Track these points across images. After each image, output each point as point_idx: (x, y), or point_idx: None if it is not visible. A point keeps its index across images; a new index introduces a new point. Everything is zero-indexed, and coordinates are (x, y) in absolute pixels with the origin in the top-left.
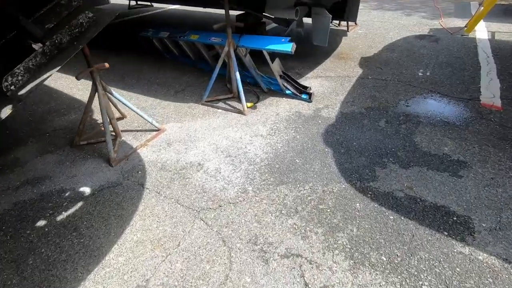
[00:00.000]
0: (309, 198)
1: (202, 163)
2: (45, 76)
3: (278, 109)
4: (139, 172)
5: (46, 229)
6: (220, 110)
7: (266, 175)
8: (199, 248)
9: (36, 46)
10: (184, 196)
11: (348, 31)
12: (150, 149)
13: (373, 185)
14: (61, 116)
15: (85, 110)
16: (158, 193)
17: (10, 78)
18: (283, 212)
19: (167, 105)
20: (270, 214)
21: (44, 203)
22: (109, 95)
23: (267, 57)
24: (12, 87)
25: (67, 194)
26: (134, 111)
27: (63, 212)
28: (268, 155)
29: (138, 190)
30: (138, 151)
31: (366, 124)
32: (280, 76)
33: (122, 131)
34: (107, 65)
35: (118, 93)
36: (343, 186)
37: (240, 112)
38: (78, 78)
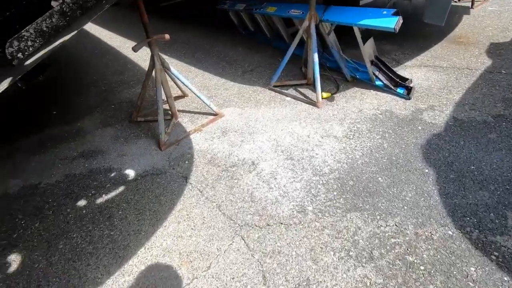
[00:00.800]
0: (392, 240)
1: (256, 162)
2: (58, 42)
3: (362, 104)
4: (186, 162)
5: (84, 211)
6: (288, 98)
7: (335, 193)
8: (232, 279)
9: (55, 3)
10: (228, 202)
11: (472, 7)
12: (203, 136)
13: (502, 242)
14: (129, 88)
15: (143, 85)
16: (201, 192)
17: (16, 43)
18: (351, 253)
19: (231, 86)
20: (332, 253)
21: (90, 180)
22: (167, 70)
23: (358, 36)
24: (20, 55)
25: (112, 175)
26: (193, 92)
27: (104, 195)
28: (340, 165)
29: (181, 184)
30: (191, 136)
31: (493, 140)
32: (372, 61)
33: (179, 111)
34: (167, 36)
35: (186, 69)
36: (450, 233)
37: (313, 103)
38: (135, 50)
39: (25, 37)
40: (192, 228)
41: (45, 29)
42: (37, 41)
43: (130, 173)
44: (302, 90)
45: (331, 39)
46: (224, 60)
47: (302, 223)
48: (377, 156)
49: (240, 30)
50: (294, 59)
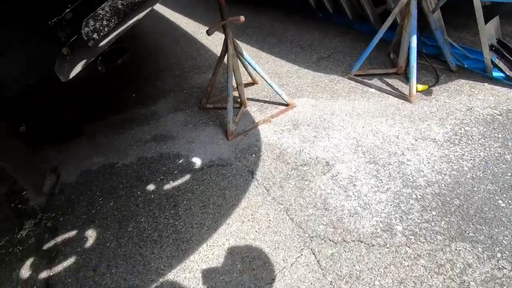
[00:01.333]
0: None
1: (332, 163)
2: (132, 21)
3: (472, 101)
4: (253, 156)
5: (152, 196)
6: (372, 90)
7: (433, 213)
8: None
9: None
10: (297, 205)
11: None
12: (272, 128)
13: None
14: (201, 73)
15: (214, 71)
16: (267, 190)
17: (92, 23)
18: None
19: (304, 74)
20: None
21: (159, 165)
22: (240, 56)
23: (479, 13)
24: (95, 35)
25: (180, 161)
26: (264, 79)
27: (171, 182)
28: (442, 178)
29: (246, 178)
30: (259, 127)
31: None
32: (491, 46)
33: (248, 99)
34: (242, 18)
35: (256, 54)
36: None
37: (403, 96)
38: (209, 33)
39: (101, 16)
40: (256, 231)
41: (120, 6)
42: (112, 20)
43: (197, 161)
44: (389, 80)
45: (436, 17)
46: (297, 45)
47: (388, 245)
48: (495, 171)
49: (317, 12)
50: (379, 44)
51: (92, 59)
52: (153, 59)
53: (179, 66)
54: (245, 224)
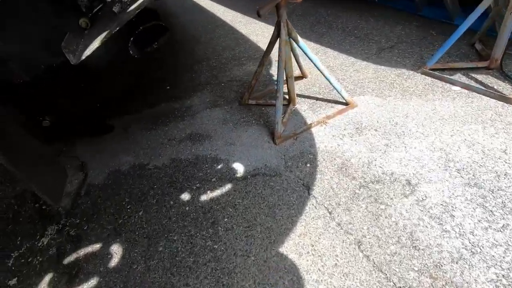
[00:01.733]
0: None
1: (414, 182)
2: None
3: None
4: (308, 166)
5: (187, 208)
6: (456, 88)
7: None
8: None
9: None
10: (373, 238)
11: None
12: (329, 131)
13: None
14: (240, 65)
15: (261, 61)
16: (330, 213)
17: None
18: None
19: (363, 67)
20: None
21: (195, 170)
22: (293, 43)
23: None
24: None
25: (219, 167)
26: (321, 72)
27: (208, 192)
28: None
29: (301, 195)
30: (313, 129)
31: None
32: None
33: (297, 95)
34: None
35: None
36: None
37: (503, 97)
38: (260, 13)
39: None
40: (319, 269)
41: None
42: None
43: (239, 168)
44: (479, 76)
45: None
46: (352, 34)
47: None
48: None
49: None
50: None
51: (116, 29)
52: (188, 48)
53: (216, 57)
54: (303, 258)
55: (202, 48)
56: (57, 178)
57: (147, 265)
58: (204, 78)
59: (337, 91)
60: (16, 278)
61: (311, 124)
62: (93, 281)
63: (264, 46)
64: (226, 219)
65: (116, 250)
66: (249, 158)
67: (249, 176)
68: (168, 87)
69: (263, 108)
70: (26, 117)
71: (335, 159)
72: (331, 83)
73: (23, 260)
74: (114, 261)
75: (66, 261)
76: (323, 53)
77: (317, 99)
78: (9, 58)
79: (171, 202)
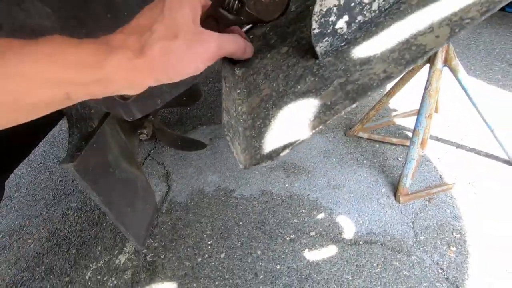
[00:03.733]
0: None
1: None
2: None
3: None
4: (452, 249)
5: (278, 267)
6: None
7: None
8: None
9: None
10: None
11: None
12: (484, 200)
13: None
14: None
15: (392, 88)
16: None
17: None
18: None
19: None
20: None
21: (289, 213)
22: (455, 73)
23: None
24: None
25: (319, 217)
26: (482, 118)
27: (306, 250)
28: None
29: None
30: (454, 191)
31: None
32: None
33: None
34: None
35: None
36: None
37: None
38: None
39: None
40: None
41: None
42: None
43: (347, 225)
44: None
45: None
46: (502, 59)
47: None
48: None
49: None
50: None
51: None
52: None
53: None
54: None
55: None
56: (148, 211)
57: None
58: None
59: (499, 144)
60: None
61: (453, 183)
62: None
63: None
64: None
65: None
66: (360, 214)
67: (361, 242)
68: None
69: (377, 145)
70: (126, 133)
71: (503, 251)
72: (492, 132)
73: (99, 277)
74: None
75: None
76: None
77: (457, 146)
78: None
79: (259, 252)
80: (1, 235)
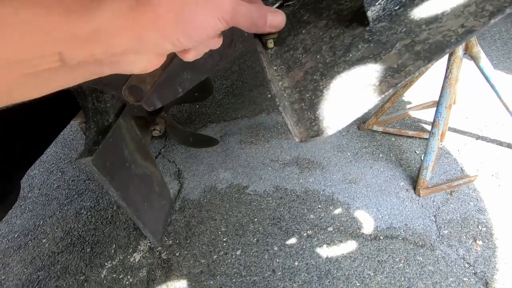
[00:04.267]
0: None
1: None
2: None
3: None
4: (479, 242)
5: (296, 264)
6: None
7: None
8: None
9: None
10: None
11: None
12: (509, 191)
13: None
14: None
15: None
16: None
17: None
18: None
19: None
20: None
21: (305, 208)
22: (477, 60)
23: None
24: None
25: (336, 212)
26: (505, 106)
27: (324, 246)
28: None
29: None
30: (477, 183)
31: None
32: None
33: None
34: None
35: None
36: None
37: None
38: None
39: None
40: None
41: None
42: None
43: (365, 220)
44: None
45: None
46: None
47: None
48: None
49: None
50: None
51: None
52: None
53: None
54: None
55: None
56: (163, 207)
57: None
58: None
59: None
60: None
61: (475, 175)
62: None
63: None
64: None
65: None
66: (379, 209)
67: (381, 237)
68: (269, 95)
69: (392, 139)
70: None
71: None
72: None
73: (114, 275)
74: None
75: None
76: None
77: (477, 137)
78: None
79: (275, 248)
80: (16, 235)
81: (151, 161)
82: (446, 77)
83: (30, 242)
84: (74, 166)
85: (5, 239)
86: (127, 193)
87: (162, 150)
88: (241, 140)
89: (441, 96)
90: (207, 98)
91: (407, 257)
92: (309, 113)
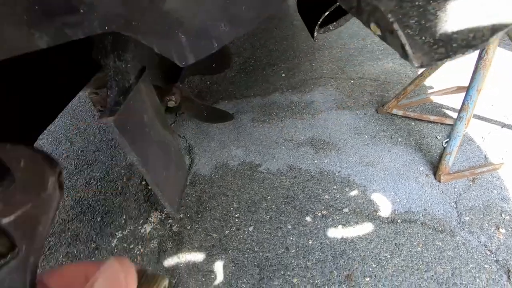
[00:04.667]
0: None
1: None
2: None
3: None
4: (501, 231)
5: (310, 242)
6: None
7: None
8: None
9: None
10: None
11: None
12: None
13: None
14: (374, 60)
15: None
16: None
17: None
18: None
19: None
20: None
21: (320, 189)
22: None
23: None
24: None
25: (352, 193)
26: None
27: (340, 226)
28: None
29: (495, 278)
30: (501, 171)
31: None
32: None
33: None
34: None
35: None
36: None
37: None
38: None
39: None
40: None
41: None
42: None
43: (382, 203)
44: None
45: None
46: None
47: None
48: None
49: None
50: None
51: None
52: (306, 32)
53: (342, 45)
54: None
55: (322, 34)
56: (180, 178)
57: None
58: (327, 70)
59: None
60: None
61: (500, 163)
62: None
63: None
64: (367, 279)
65: (222, 271)
66: (397, 193)
67: (399, 221)
68: (283, 74)
69: (412, 123)
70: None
71: None
72: None
73: (125, 245)
74: (218, 286)
75: (167, 263)
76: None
77: (503, 125)
78: None
79: (289, 226)
80: None
81: (169, 130)
82: (480, 58)
83: None
84: (83, 137)
85: None
86: (146, 159)
87: (173, 125)
88: (254, 118)
89: (472, 78)
90: (223, 71)
91: (426, 241)
92: (423, 37)
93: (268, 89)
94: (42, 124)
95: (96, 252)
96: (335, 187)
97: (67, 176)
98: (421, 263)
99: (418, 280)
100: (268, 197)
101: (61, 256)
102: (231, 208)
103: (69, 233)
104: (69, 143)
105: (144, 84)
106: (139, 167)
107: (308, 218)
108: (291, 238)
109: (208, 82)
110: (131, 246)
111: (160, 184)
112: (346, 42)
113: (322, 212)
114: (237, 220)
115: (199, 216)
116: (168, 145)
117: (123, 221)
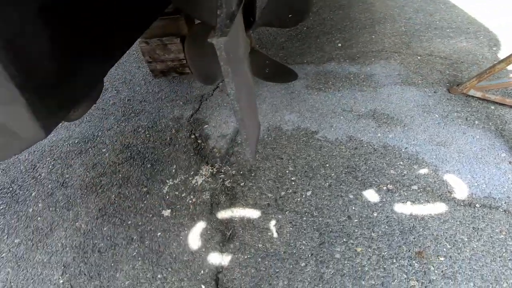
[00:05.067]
0: None
1: None
2: None
3: None
4: None
5: (375, 214)
6: None
7: None
8: None
9: None
10: None
11: None
12: None
13: None
14: (444, 38)
15: None
16: None
17: None
18: None
19: None
20: None
21: (384, 164)
22: None
23: None
24: None
25: (421, 172)
26: None
27: (408, 203)
28: None
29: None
30: None
31: None
32: None
33: None
34: None
35: None
36: None
37: None
38: None
39: None
40: None
41: None
42: None
43: (458, 186)
44: None
45: None
46: None
47: None
48: None
49: None
50: None
51: None
52: (369, 3)
53: (406, 19)
54: None
55: (386, 6)
56: (257, 127)
57: (319, 271)
58: (389, 44)
59: None
60: (170, 210)
61: None
62: (250, 258)
63: (483, 20)
64: (442, 259)
65: (278, 230)
66: (474, 176)
67: (477, 205)
68: (339, 44)
69: (492, 107)
70: None
71: None
72: None
73: (177, 193)
74: (275, 244)
75: (220, 215)
76: None
77: None
78: None
79: (350, 196)
80: (77, 141)
81: (251, 72)
82: None
83: (90, 149)
84: (129, 87)
85: (66, 143)
86: (240, 95)
87: (221, 84)
88: (308, 85)
89: None
90: (297, 24)
91: (510, 230)
92: None
93: (323, 58)
94: (127, 43)
95: (147, 196)
96: (401, 163)
97: (114, 121)
98: (504, 250)
99: (501, 268)
100: (327, 165)
101: (113, 196)
102: (286, 171)
103: (120, 175)
104: (115, 91)
105: (240, 16)
106: (233, 103)
107: (371, 191)
108: (353, 208)
109: (257, 45)
110: (183, 195)
111: (246, 126)
112: (411, 16)
113: (388, 186)
114: (293, 183)
115: (253, 174)
116: (251, 88)
117: (173, 170)
